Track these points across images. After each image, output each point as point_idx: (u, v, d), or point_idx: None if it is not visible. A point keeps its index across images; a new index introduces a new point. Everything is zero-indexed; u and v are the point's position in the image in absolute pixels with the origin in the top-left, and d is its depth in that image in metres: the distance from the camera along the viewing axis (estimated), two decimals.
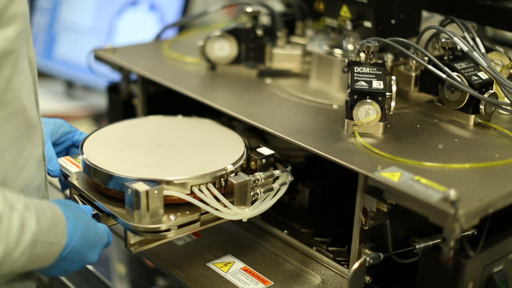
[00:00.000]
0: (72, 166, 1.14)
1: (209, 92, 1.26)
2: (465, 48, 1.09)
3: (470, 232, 0.94)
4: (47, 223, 0.83)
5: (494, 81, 1.08)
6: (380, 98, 1.03)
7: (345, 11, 1.23)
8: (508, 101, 1.05)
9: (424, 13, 1.34)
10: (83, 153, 1.08)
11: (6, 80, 0.80)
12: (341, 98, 1.22)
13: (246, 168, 1.09)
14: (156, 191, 0.96)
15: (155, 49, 1.50)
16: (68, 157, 1.17)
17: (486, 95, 1.06)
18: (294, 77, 1.34)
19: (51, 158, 1.11)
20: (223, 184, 1.03)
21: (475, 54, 1.09)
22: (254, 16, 1.34)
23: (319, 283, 1.04)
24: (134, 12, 2.12)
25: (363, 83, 1.05)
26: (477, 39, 1.12)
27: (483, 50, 1.11)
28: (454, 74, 1.06)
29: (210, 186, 1.01)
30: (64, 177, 1.12)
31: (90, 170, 1.05)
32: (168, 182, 0.99)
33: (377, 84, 1.04)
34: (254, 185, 1.04)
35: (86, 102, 2.15)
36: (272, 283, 1.04)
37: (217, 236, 1.17)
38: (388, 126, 1.07)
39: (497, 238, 0.93)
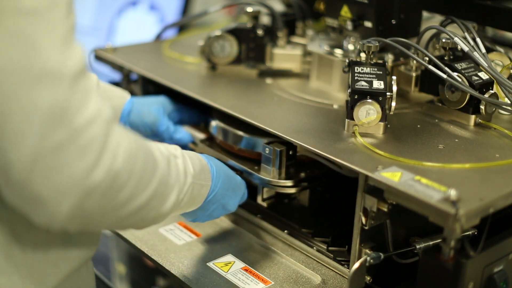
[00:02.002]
0: (197, 133, 1.29)
1: (209, 92, 1.26)
2: (466, 48, 1.09)
3: (470, 232, 0.94)
4: (198, 167, 0.94)
5: (495, 81, 1.08)
6: (380, 98, 1.03)
7: (345, 11, 1.23)
8: (509, 101, 1.05)
9: (425, 13, 1.34)
10: (215, 119, 1.21)
11: None
12: (341, 98, 1.22)
13: None
14: (291, 151, 1.10)
15: (155, 49, 1.50)
16: (188, 126, 1.31)
17: (486, 95, 1.06)
18: (295, 77, 1.34)
19: (177, 129, 1.27)
20: None
21: (476, 54, 1.09)
22: (255, 16, 1.34)
23: (319, 283, 1.04)
24: (134, 12, 2.12)
25: (363, 83, 1.05)
26: (478, 39, 1.12)
27: (483, 50, 1.11)
28: (455, 74, 1.07)
29: None
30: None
31: (225, 133, 1.19)
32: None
33: (378, 84, 1.04)
34: None
35: None
36: (273, 283, 1.04)
37: (217, 236, 1.17)
38: (388, 126, 1.07)
39: (497, 238, 0.93)
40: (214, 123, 1.23)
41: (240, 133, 1.16)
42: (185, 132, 1.28)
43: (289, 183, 1.11)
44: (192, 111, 1.32)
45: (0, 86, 0.66)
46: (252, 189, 1.24)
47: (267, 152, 1.10)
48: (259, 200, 1.16)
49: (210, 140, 1.25)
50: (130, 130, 0.79)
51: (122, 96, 1.26)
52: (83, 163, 0.69)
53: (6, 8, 0.66)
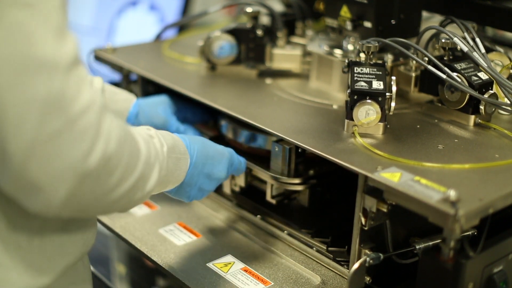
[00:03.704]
0: (206, 131, 1.31)
1: (209, 92, 1.26)
2: (465, 49, 1.09)
3: (470, 233, 0.94)
4: (170, 142, 0.95)
5: (494, 81, 1.08)
6: (380, 99, 1.03)
7: (345, 11, 1.23)
8: (508, 102, 1.05)
9: (424, 13, 1.34)
10: (224, 117, 1.24)
11: None
12: (341, 99, 1.22)
13: None
14: (300, 149, 1.11)
15: (155, 49, 1.50)
16: (197, 125, 1.33)
17: (486, 96, 1.06)
18: (294, 77, 1.34)
19: (186, 129, 1.28)
20: None
21: (475, 55, 1.09)
22: (254, 16, 1.34)
23: (319, 283, 1.04)
24: (134, 12, 2.12)
25: (363, 83, 1.05)
26: (477, 40, 1.12)
27: (483, 50, 1.11)
28: (454, 74, 1.06)
29: None
30: None
31: (235, 131, 1.22)
32: None
33: (377, 85, 1.04)
34: None
35: None
36: (272, 283, 1.04)
37: (217, 236, 1.17)
38: (388, 126, 1.07)
39: (497, 238, 0.93)
40: (223, 122, 1.24)
41: (250, 131, 1.18)
42: (195, 131, 1.29)
43: (298, 180, 1.13)
44: (195, 109, 1.32)
45: None
46: (253, 189, 1.24)
47: (276, 149, 1.12)
48: (268, 197, 1.18)
49: (219, 138, 1.25)
50: (116, 116, 0.81)
51: (128, 99, 1.27)
52: (79, 149, 0.72)
53: (4, 1, 0.68)
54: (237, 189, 1.23)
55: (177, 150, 0.97)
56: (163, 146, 0.93)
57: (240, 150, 1.19)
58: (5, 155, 0.70)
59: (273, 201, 1.18)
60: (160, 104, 1.29)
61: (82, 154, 0.72)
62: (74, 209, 0.77)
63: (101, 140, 0.74)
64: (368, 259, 0.95)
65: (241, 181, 1.20)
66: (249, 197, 1.24)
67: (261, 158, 1.17)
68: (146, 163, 0.84)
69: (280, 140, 1.11)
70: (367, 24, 1.20)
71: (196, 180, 1.02)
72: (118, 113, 1.24)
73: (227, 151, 1.09)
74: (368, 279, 0.98)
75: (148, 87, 1.40)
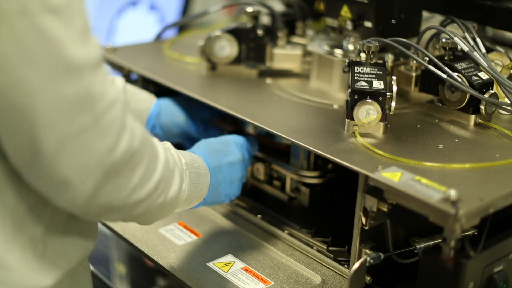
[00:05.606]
0: (225, 126, 1.32)
1: (209, 92, 1.26)
2: (466, 48, 1.09)
3: (470, 232, 0.94)
4: (188, 158, 0.99)
5: (495, 81, 1.08)
6: (380, 98, 1.03)
7: (345, 11, 1.23)
8: (509, 101, 1.05)
9: (425, 13, 1.34)
10: None
11: None
12: (341, 98, 1.22)
13: None
14: None
15: (155, 49, 1.50)
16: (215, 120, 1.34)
17: (486, 95, 1.06)
18: (295, 77, 1.34)
19: (208, 127, 1.31)
20: None
21: (476, 54, 1.09)
22: (255, 16, 1.34)
23: (319, 283, 1.04)
24: (134, 12, 2.12)
25: (363, 83, 1.05)
26: (478, 39, 1.12)
27: (483, 50, 1.11)
28: (455, 74, 1.07)
29: None
30: None
31: (255, 125, 1.19)
32: None
33: (378, 84, 1.04)
34: None
35: None
36: (273, 283, 1.04)
37: (218, 236, 1.17)
38: (388, 126, 1.07)
39: (497, 238, 0.94)
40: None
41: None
42: (215, 129, 1.31)
43: (317, 173, 1.17)
44: (212, 107, 1.32)
45: (30, 80, 0.71)
46: (254, 189, 1.24)
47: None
48: (287, 190, 1.22)
49: (238, 133, 1.25)
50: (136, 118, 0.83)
51: (148, 99, 1.28)
52: (106, 143, 0.75)
53: (34, 6, 0.70)
54: None
55: (196, 165, 1.00)
56: (181, 159, 0.96)
57: (259, 144, 1.22)
58: (37, 153, 0.72)
59: (292, 194, 1.22)
60: (180, 103, 1.30)
61: (109, 147, 0.75)
62: (99, 207, 0.78)
63: (126, 135, 0.77)
64: (368, 258, 0.95)
65: (260, 175, 1.24)
66: (250, 196, 1.24)
67: (281, 152, 1.21)
68: (166, 167, 0.86)
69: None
70: (368, 24, 1.20)
71: (221, 176, 1.05)
72: (140, 112, 1.26)
73: (230, 137, 1.12)
74: (368, 278, 0.98)
75: (149, 87, 1.40)
